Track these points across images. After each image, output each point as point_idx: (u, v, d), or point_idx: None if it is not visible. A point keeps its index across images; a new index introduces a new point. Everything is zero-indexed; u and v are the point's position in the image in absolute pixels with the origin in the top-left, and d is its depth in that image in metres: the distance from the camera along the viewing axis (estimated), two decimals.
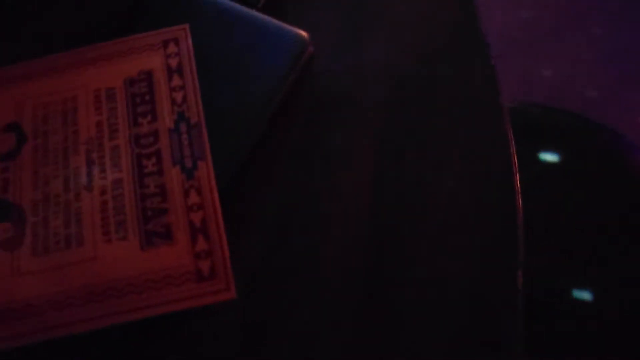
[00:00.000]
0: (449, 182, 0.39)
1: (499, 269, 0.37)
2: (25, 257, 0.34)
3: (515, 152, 0.40)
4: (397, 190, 0.39)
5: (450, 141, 0.41)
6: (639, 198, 0.67)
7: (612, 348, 0.59)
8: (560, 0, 1.41)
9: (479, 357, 0.34)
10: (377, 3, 0.45)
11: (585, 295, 0.61)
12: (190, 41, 0.40)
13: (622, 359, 0.59)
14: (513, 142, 0.41)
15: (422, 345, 0.34)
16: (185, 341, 0.34)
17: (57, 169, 0.37)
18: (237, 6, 0.42)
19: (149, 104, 0.38)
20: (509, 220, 0.38)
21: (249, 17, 0.42)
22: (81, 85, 0.39)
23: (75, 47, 0.40)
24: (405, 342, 0.34)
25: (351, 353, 0.34)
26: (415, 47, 0.44)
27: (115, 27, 0.41)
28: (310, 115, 0.41)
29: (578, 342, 0.59)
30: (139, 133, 0.37)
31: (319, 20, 0.44)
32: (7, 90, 0.40)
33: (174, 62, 0.39)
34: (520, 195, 0.39)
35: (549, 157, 0.72)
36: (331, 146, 0.40)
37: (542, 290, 0.61)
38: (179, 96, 0.38)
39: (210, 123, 0.38)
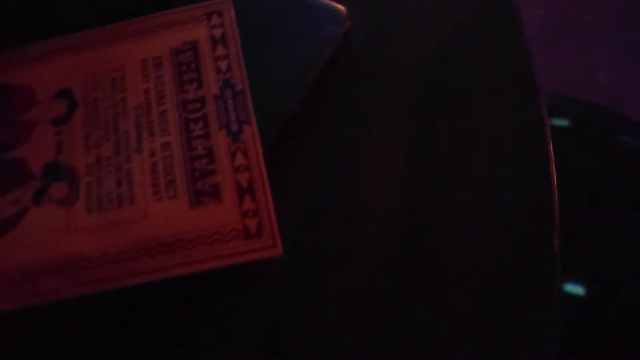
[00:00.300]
0: (484, 158, 0.41)
1: (536, 238, 0.38)
2: (80, 214, 0.35)
3: (549, 130, 0.41)
4: (430, 164, 0.40)
5: (484, 118, 0.42)
6: None
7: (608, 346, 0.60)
8: None
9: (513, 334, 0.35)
10: None
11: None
12: (232, 13, 0.41)
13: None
14: (548, 120, 0.42)
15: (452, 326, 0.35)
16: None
17: (108, 132, 0.38)
18: None
19: (195, 72, 0.39)
20: (544, 192, 0.39)
21: None
22: (129, 55, 0.41)
23: (120, 20, 0.42)
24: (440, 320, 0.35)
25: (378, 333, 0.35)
26: (452, 26, 0.45)
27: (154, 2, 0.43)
28: (346, 87, 0.43)
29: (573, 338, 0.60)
30: (185, 99, 0.39)
31: None
32: (57, 60, 0.41)
33: (217, 33, 0.41)
34: (554, 164, 0.40)
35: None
36: (365, 117, 0.41)
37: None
38: (223, 65, 0.39)
39: (254, 90, 0.39)
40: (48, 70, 0.41)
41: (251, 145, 0.37)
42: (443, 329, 0.35)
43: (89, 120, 0.39)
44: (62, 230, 0.35)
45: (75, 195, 0.36)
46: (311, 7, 0.43)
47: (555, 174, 0.39)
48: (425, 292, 0.36)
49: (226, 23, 0.41)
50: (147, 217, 0.35)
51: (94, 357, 0.35)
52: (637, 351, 0.60)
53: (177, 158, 0.37)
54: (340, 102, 0.42)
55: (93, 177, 0.37)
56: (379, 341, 0.35)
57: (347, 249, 0.37)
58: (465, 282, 0.36)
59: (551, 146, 0.40)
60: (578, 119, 0.76)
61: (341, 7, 0.43)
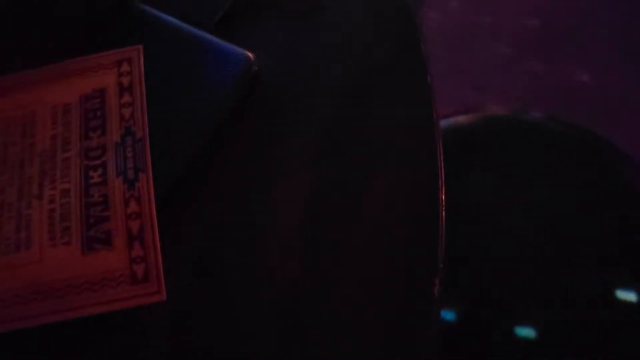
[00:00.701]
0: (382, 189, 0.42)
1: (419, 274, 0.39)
2: None
3: (442, 166, 0.43)
4: (328, 205, 0.42)
5: (383, 153, 0.44)
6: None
7: None
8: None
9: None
10: (321, 16, 0.48)
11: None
12: (142, 61, 0.43)
13: None
14: (442, 155, 0.43)
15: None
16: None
17: (13, 177, 0.40)
18: (188, 27, 0.45)
19: (100, 119, 0.41)
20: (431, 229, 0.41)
21: (197, 37, 0.45)
22: (41, 101, 0.43)
23: (36, 66, 0.44)
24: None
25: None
26: (359, 60, 0.47)
27: (73, 47, 0.45)
28: (252, 130, 0.44)
29: None
30: (89, 146, 0.41)
31: (269, 39, 0.47)
32: None
33: (126, 81, 0.43)
34: (444, 207, 0.41)
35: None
36: (268, 161, 0.43)
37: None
38: (127, 112, 0.41)
39: (158, 136, 0.41)
40: None
41: (145, 192, 0.38)
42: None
43: None
44: None
45: None
46: (219, 52, 0.45)
47: (444, 215, 0.41)
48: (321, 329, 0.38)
49: (134, 70, 0.43)
50: (41, 261, 0.37)
51: None
52: None
53: (74, 205, 0.39)
54: (244, 146, 0.44)
55: None
56: None
57: (240, 291, 0.39)
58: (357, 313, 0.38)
59: (443, 194, 0.41)
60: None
61: (248, 53, 0.45)
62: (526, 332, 0.62)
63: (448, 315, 0.61)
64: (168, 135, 0.41)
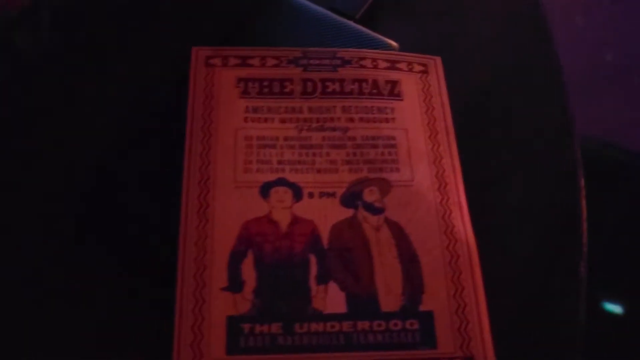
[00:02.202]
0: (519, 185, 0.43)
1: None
2: None
3: (579, 156, 0.44)
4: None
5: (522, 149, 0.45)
6: None
7: None
8: None
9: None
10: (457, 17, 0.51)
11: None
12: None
13: None
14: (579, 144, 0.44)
15: None
16: None
17: None
18: (337, 18, 0.48)
19: None
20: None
21: (346, 28, 0.48)
22: None
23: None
24: None
25: None
26: (492, 66, 0.49)
27: (229, 37, 0.47)
28: None
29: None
30: None
31: (408, 30, 0.50)
32: None
33: None
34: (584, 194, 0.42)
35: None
36: None
37: None
38: None
39: None
40: None
41: None
42: None
43: None
44: None
45: None
46: (366, 40, 0.47)
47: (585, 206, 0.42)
48: None
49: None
50: None
51: None
52: None
53: None
54: None
55: None
56: None
57: None
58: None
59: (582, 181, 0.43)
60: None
61: (393, 42, 0.47)
62: None
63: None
64: None
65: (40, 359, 0.36)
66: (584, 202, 0.42)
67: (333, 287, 0.38)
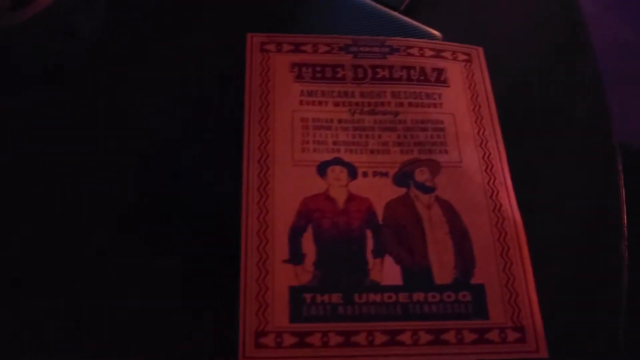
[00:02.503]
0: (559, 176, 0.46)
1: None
2: None
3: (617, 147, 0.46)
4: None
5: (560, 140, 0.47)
6: None
7: None
8: None
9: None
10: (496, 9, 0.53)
11: None
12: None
13: None
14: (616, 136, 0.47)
15: None
16: None
17: None
18: (383, 9, 0.50)
19: None
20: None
21: (391, 19, 0.50)
22: None
23: None
24: None
25: None
26: (530, 57, 0.51)
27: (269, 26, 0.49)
28: None
29: None
30: None
31: (449, 21, 0.52)
32: None
33: None
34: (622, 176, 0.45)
35: None
36: None
37: None
38: None
39: None
40: None
41: None
42: None
43: None
44: None
45: None
46: (411, 30, 0.49)
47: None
48: None
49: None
50: None
51: None
52: None
53: None
54: None
55: None
56: None
57: None
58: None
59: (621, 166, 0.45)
60: None
61: (437, 32, 0.49)
62: None
63: None
64: None
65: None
66: (622, 184, 0.44)
67: (389, 260, 0.40)
